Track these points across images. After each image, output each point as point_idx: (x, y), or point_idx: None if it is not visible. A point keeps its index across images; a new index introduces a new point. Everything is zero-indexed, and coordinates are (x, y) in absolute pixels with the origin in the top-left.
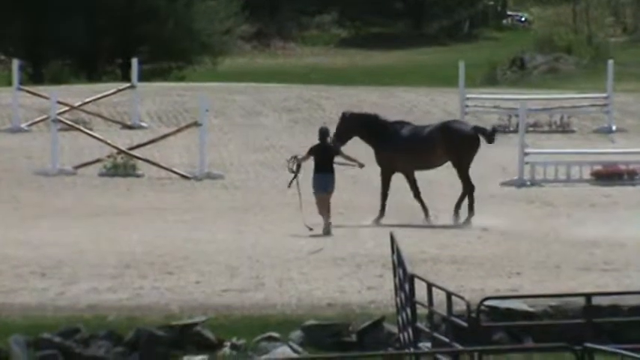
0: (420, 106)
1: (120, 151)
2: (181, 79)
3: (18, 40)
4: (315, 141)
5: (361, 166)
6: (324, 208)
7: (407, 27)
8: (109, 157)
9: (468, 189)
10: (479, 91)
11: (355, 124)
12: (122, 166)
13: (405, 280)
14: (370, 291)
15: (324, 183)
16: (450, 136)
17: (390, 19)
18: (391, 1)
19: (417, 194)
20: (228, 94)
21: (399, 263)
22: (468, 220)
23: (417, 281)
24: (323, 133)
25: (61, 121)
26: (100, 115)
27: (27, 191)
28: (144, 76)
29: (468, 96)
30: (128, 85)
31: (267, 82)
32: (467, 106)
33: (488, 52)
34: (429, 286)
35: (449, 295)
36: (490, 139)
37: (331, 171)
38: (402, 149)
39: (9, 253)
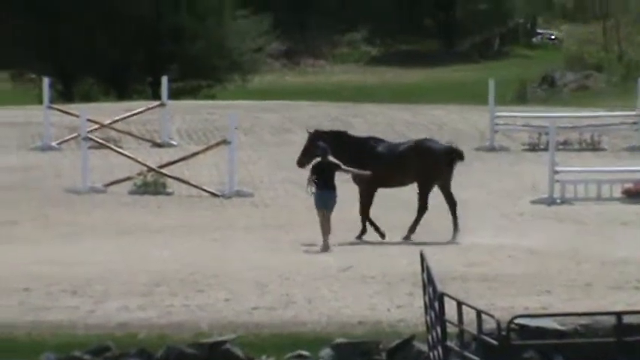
0: (450, 124)
1: (150, 169)
2: (211, 97)
3: (48, 58)
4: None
5: (364, 175)
6: (325, 225)
7: (437, 44)
8: (139, 175)
9: (423, 209)
10: (509, 109)
11: (323, 142)
12: (152, 184)
13: (434, 299)
14: (400, 309)
15: (326, 200)
16: (422, 154)
17: (421, 36)
18: (422, 19)
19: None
20: (257, 111)
21: (428, 281)
22: (408, 237)
23: (446, 299)
24: (323, 150)
25: (91, 139)
26: (130, 133)
27: (57, 209)
28: (174, 94)
29: (498, 114)
30: (158, 103)
31: (297, 100)
32: (497, 124)
33: (519, 70)
34: (459, 304)
35: (479, 313)
36: (460, 157)
37: (333, 188)
38: (374, 166)
39: (40, 271)
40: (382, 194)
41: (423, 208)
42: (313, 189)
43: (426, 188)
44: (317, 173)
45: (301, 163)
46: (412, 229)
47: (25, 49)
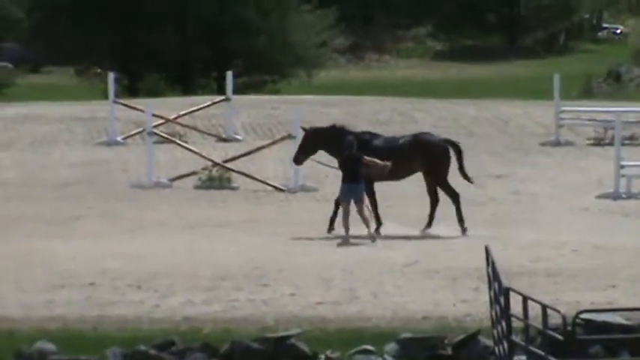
0: (514, 119)
1: (215, 164)
2: (276, 92)
3: (113, 53)
4: None
5: (385, 166)
6: (347, 218)
7: (501, 40)
8: (204, 169)
9: (455, 197)
10: (574, 104)
11: (320, 139)
12: (217, 179)
13: (500, 293)
14: (465, 304)
15: (353, 192)
16: (421, 147)
17: (485, 31)
18: (486, 14)
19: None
20: (321, 106)
21: (494, 276)
22: (463, 231)
23: (512, 294)
24: (350, 143)
25: (156, 134)
26: (195, 128)
27: (123, 204)
28: (238, 89)
29: (564, 109)
30: (223, 97)
31: (361, 95)
32: (562, 118)
33: (584, 65)
34: (525, 299)
35: (544, 308)
36: (458, 151)
37: (359, 181)
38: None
39: (106, 265)
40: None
41: (455, 195)
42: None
43: (443, 178)
44: (344, 166)
45: (298, 160)
46: (461, 219)
47: (91, 44)
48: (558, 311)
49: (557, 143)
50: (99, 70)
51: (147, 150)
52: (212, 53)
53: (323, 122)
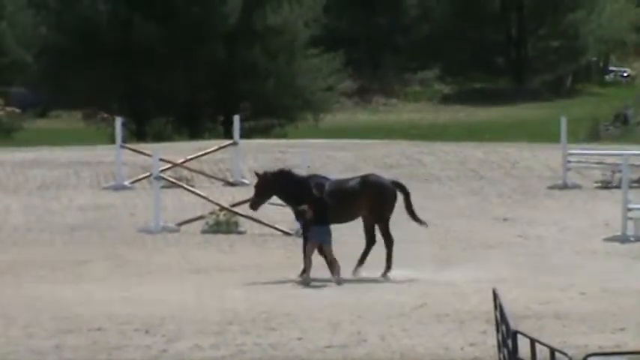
0: (522, 162)
1: (222, 208)
2: (283, 136)
3: (120, 97)
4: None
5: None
6: (332, 259)
7: (509, 82)
8: (211, 214)
9: (390, 242)
10: (582, 147)
11: (270, 184)
12: (225, 223)
13: (508, 336)
14: (473, 347)
15: (325, 234)
16: (371, 189)
17: (492, 74)
18: (493, 57)
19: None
20: (329, 150)
21: (502, 319)
22: (385, 274)
23: (520, 337)
24: (321, 186)
25: (163, 179)
26: (202, 172)
27: (130, 248)
28: (245, 133)
29: (571, 152)
30: (230, 142)
31: (369, 139)
32: (569, 161)
33: (591, 108)
34: (532, 342)
35: (552, 351)
36: (406, 193)
37: (327, 223)
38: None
39: (113, 310)
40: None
41: (391, 240)
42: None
43: (386, 219)
44: (315, 209)
45: (254, 205)
46: (388, 263)
47: (98, 88)
48: (566, 354)
49: (565, 186)
50: (106, 115)
51: (154, 194)
52: (219, 97)
53: (331, 166)
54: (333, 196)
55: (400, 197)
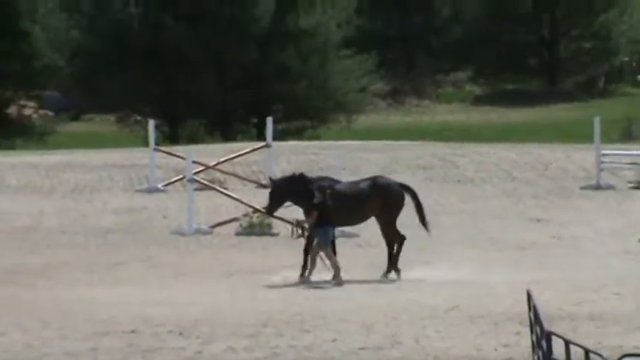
0: (555, 163)
1: (255, 210)
2: (316, 137)
3: (152, 100)
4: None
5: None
6: (329, 258)
7: (541, 83)
8: (244, 216)
9: (392, 244)
10: (615, 148)
11: (283, 189)
12: (258, 225)
13: (542, 338)
14: (507, 349)
15: (330, 235)
16: (380, 191)
17: (525, 75)
18: (526, 58)
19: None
20: (362, 152)
21: (535, 320)
22: (386, 275)
23: (554, 338)
24: (324, 189)
25: (197, 181)
26: (235, 175)
27: (164, 251)
28: (279, 135)
29: (604, 152)
30: (263, 144)
31: (401, 140)
32: (603, 162)
33: (624, 108)
34: (567, 343)
35: (587, 352)
36: (415, 197)
37: (328, 224)
38: (332, 206)
39: (147, 312)
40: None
41: (400, 239)
42: (299, 232)
43: (392, 222)
44: (320, 211)
45: (271, 211)
46: (394, 264)
47: (131, 92)
48: (601, 355)
49: (598, 187)
50: (139, 118)
51: (187, 197)
52: (252, 99)
53: (364, 167)
54: (344, 198)
55: (409, 200)
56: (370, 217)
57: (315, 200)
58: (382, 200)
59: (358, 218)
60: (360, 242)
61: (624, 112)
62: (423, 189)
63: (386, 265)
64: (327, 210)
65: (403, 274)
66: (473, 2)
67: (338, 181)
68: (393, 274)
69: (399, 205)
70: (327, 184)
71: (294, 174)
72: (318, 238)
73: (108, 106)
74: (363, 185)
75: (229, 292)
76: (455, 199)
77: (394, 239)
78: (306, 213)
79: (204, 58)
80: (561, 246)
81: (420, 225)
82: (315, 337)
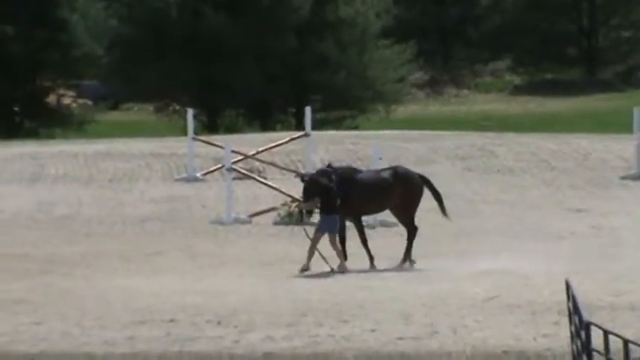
0: (594, 153)
1: (294, 200)
2: (355, 127)
3: (191, 89)
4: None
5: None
6: (338, 246)
7: (581, 73)
8: (283, 205)
9: (414, 232)
10: None
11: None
12: (296, 215)
13: (581, 328)
14: (546, 339)
15: (324, 223)
16: (400, 181)
17: (564, 65)
18: (565, 47)
19: (364, 240)
20: (401, 142)
21: (574, 310)
22: (401, 265)
23: (593, 329)
24: (326, 173)
25: (235, 170)
26: (273, 164)
27: (203, 240)
28: (317, 125)
29: None
30: (302, 133)
31: (440, 130)
32: None
33: None
34: (606, 333)
35: (626, 342)
36: (433, 189)
37: (332, 212)
38: (358, 195)
39: (185, 301)
40: None
41: (413, 231)
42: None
43: (413, 212)
44: (324, 198)
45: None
46: (408, 253)
47: (170, 81)
48: None
49: (638, 177)
50: (177, 107)
51: (226, 186)
52: (291, 89)
53: (402, 157)
54: (368, 187)
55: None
56: (391, 206)
57: (323, 184)
58: (403, 189)
59: (379, 207)
60: (401, 231)
61: None
62: (461, 179)
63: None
64: (332, 198)
65: (443, 263)
66: None
67: (360, 171)
68: (407, 264)
69: (419, 195)
70: (343, 172)
71: (320, 168)
72: (324, 227)
73: (146, 95)
74: (385, 174)
75: (267, 282)
76: (494, 189)
77: (414, 229)
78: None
79: (243, 47)
80: (600, 236)
81: (442, 214)
82: (353, 327)
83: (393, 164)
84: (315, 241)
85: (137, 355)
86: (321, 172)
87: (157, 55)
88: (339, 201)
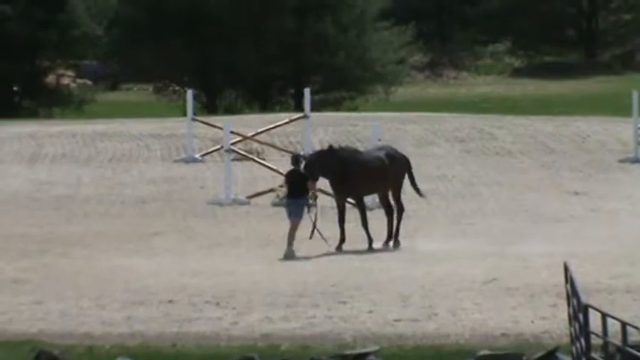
0: (593, 136)
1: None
2: (354, 109)
3: (191, 70)
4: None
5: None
6: (292, 233)
7: (580, 56)
8: (281, 186)
9: (401, 211)
10: None
11: (316, 164)
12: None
13: (579, 310)
14: (544, 321)
15: (294, 208)
16: (394, 160)
17: (563, 47)
18: (564, 30)
19: (365, 222)
20: (400, 123)
21: (572, 293)
22: (389, 244)
23: (591, 311)
24: (294, 159)
25: (234, 151)
26: (272, 145)
27: (201, 221)
28: (316, 106)
29: None
30: (301, 114)
31: (439, 112)
32: None
33: None
34: (604, 316)
35: (624, 325)
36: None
37: (300, 197)
38: (361, 176)
39: (184, 282)
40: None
41: (402, 210)
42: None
43: (400, 190)
44: (288, 182)
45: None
46: (396, 234)
47: (169, 61)
48: (638, 328)
49: (636, 160)
50: (177, 88)
51: (225, 167)
52: (290, 70)
53: (401, 139)
54: (370, 168)
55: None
56: (388, 185)
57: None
58: (396, 168)
59: (381, 187)
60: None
61: None
62: (460, 161)
63: (392, 234)
64: (299, 181)
65: (441, 245)
66: None
67: (361, 152)
68: (391, 244)
69: (405, 173)
70: (345, 154)
71: (322, 149)
72: (296, 211)
73: (145, 75)
74: (381, 155)
75: (266, 263)
76: (492, 171)
77: (402, 208)
78: (331, 184)
79: (243, 28)
80: (598, 219)
81: (418, 194)
82: (351, 308)
83: (388, 146)
84: (294, 227)
85: (135, 335)
86: (293, 157)
87: (157, 36)
88: (340, 182)
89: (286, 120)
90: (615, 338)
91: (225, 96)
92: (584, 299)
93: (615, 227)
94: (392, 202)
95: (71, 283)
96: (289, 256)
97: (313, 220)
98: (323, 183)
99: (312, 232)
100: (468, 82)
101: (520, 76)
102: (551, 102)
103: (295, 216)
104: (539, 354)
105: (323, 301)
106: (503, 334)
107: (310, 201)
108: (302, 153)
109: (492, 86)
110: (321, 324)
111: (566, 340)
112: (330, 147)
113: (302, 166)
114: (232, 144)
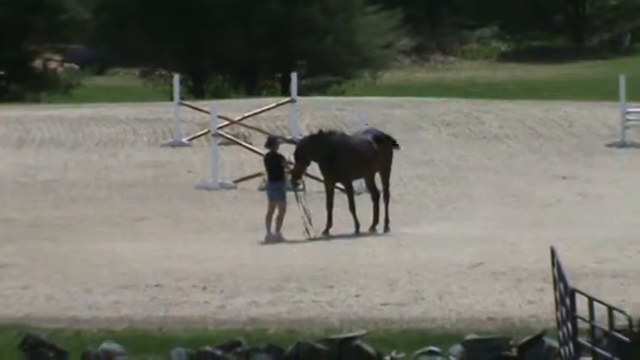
0: (580, 120)
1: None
2: (341, 93)
3: (178, 54)
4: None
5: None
6: (269, 216)
7: (567, 40)
8: (260, 174)
9: (388, 196)
10: None
11: (307, 149)
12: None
13: (565, 295)
14: (531, 305)
15: (276, 193)
16: (382, 143)
17: (551, 32)
18: (551, 15)
19: (352, 207)
20: (387, 108)
21: (559, 277)
22: (376, 228)
23: (577, 295)
24: (269, 141)
25: (221, 136)
26: (259, 130)
27: (188, 205)
28: (303, 91)
29: (630, 110)
30: (288, 99)
31: (427, 97)
32: (628, 119)
33: None
34: (590, 300)
35: (610, 309)
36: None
37: (277, 179)
38: (350, 161)
39: (171, 266)
40: None
41: (388, 194)
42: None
43: (389, 174)
44: (266, 165)
45: (298, 175)
46: (386, 219)
47: (156, 46)
48: (624, 312)
49: (623, 144)
50: (164, 72)
51: (212, 151)
52: (277, 54)
53: (389, 123)
54: (356, 152)
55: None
56: (377, 169)
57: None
58: (384, 151)
59: (369, 171)
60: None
61: None
62: (447, 145)
63: (383, 219)
64: (277, 164)
65: (428, 230)
66: None
67: (350, 137)
68: (377, 228)
69: (391, 156)
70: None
71: (313, 133)
72: (277, 194)
73: (133, 59)
74: (369, 138)
75: (252, 247)
76: (479, 155)
77: (389, 193)
78: (320, 169)
79: (230, 12)
80: (586, 203)
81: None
82: (338, 293)
83: (374, 129)
84: (272, 210)
85: (122, 320)
86: (269, 139)
87: (144, 20)
88: (329, 166)
89: (273, 104)
90: (602, 322)
91: (212, 80)
92: (570, 284)
93: (602, 211)
94: (378, 186)
95: (58, 268)
96: (270, 240)
97: (303, 206)
98: (311, 168)
99: (309, 220)
100: (455, 67)
101: (507, 60)
102: (539, 87)
103: (280, 200)
104: (526, 338)
105: (310, 286)
106: (489, 319)
107: (300, 186)
108: (290, 137)
109: (479, 71)
110: (308, 308)
111: (553, 324)
112: (320, 131)
113: (277, 147)
114: (219, 128)
